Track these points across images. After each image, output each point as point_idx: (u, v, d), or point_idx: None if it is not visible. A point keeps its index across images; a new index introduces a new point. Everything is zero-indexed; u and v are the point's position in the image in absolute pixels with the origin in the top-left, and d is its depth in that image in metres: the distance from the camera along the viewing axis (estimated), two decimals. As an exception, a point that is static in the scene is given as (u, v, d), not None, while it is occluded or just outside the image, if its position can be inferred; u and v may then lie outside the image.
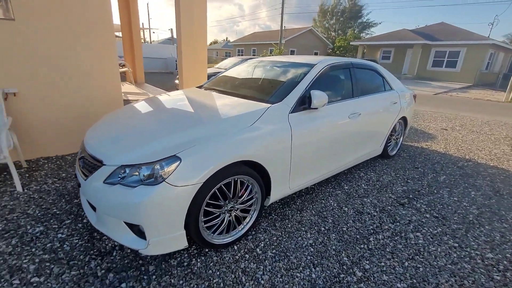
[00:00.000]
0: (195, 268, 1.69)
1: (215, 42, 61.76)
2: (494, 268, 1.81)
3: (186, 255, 1.79)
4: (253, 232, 2.06)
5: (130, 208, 1.47)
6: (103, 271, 1.64)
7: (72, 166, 3.03)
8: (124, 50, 7.20)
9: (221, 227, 1.83)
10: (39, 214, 2.15)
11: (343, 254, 1.87)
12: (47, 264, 1.67)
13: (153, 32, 39.73)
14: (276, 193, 2.13)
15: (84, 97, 3.29)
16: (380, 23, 55.74)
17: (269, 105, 2.10)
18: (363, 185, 2.91)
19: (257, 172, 1.92)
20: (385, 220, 2.28)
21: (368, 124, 2.91)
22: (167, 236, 1.55)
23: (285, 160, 2.06)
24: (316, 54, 31.79)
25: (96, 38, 3.21)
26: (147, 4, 50.33)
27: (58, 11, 2.91)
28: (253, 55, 32.19)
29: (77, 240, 1.88)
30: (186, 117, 2.08)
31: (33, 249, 1.78)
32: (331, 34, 40.15)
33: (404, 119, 3.69)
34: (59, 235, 1.92)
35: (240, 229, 1.96)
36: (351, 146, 2.77)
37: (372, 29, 39.54)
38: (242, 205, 1.91)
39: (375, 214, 2.37)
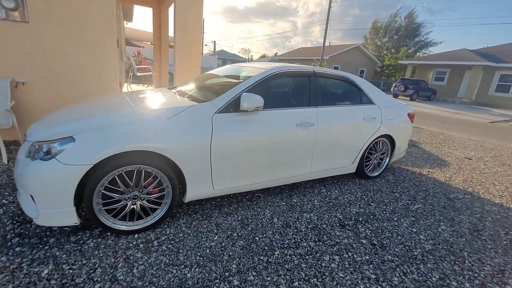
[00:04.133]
0: (86, 247, 1.79)
1: (263, 56, 63.82)
2: (402, 310, 1.53)
3: (88, 235, 1.90)
4: (165, 226, 2.09)
5: (24, 178, 1.65)
6: (13, 234, 1.84)
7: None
8: (154, 57, 7.97)
9: (123, 213, 1.90)
10: (3, 182, 2.50)
11: (234, 262, 1.77)
12: (-24, 221, 1.94)
13: (205, 45, 42.92)
14: (194, 192, 2.14)
15: (82, 91, 3.75)
16: (440, 43, 50.82)
17: (194, 103, 2.15)
18: (315, 200, 2.71)
19: (170, 166, 1.97)
20: (309, 238, 2.10)
21: (327, 136, 2.73)
22: (56, 210, 1.69)
23: (203, 158, 2.07)
24: (362, 72, 30.57)
25: (97, 42, 3.67)
26: (203, 19, 54.36)
27: (67, 19, 3.42)
28: (296, 69, 32.28)
29: (13, 207, 2.15)
30: (113, 108, 2.23)
31: (-25, 208, 2.08)
32: (383, 52, 38.29)
33: (389, 138, 3.35)
34: (3, 201, 2.22)
35: (148, 219, 2.01)
36: (301, 157, 2.63)
37: (431, 48, 36.51)
38: (148, 196, 1.97)
39: (303, 230, 2.19)
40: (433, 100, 19.51)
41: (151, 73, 7.35)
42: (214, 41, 38.26)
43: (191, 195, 2.14)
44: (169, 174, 1.96)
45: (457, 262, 1.96)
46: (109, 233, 1.93)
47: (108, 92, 3.92)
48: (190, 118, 2.03)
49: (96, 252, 1.75)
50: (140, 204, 1.96)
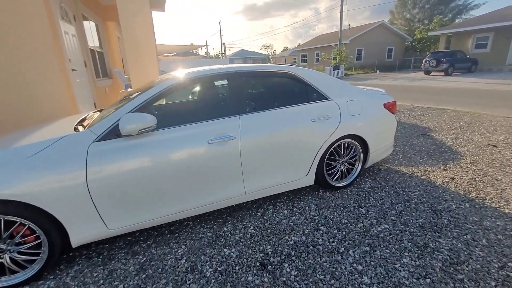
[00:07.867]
0: None
1: (285, 49, 62.43)
2: None
3: (-39, 293, 1.73)
4: (51, 276, 1.84)
5: None
6: None
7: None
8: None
9: (-11, 269, 1.69)
10: None
11: (92, 330, 1.44)
12: None
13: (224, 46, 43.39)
14: (81, 235, 1.85)
15: (36, 118, 3.72)
16: (484, 4, 44.24)
17: (67, 134, 1.85)
18: (251, 227, 2.25)
19: (37, 212, 1.70)
20: (209, 287, 1.67)
21: (257, 149, 2.24)
22: None
23: (79, 197, 1.76)
24: (390, 50, 28.02)
25: (41, 64, 3.60)
26: (219, 22, 55.05)
27: (6, 44, 3.41)
28: (316, 59, 30.92)
29: None
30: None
31: None
32: (414, 25, 34.73)
33: (357, 137, 2.71)
34: None
35: (27, 272, 1.77)
36: (226, 178, 2.19)
37: (472, 12, 32.14)
38: (18, 247, 1.72)
39: (208, 275, 1.77)
40: (474, 71, 16.98)
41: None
42: (224, 43, 38.33)
43: (78, 239, 1.86)
44: (37, 220, 1.70)
45: (399, 324, 1.38)
46: (-19, 291, 1.73)
47: (60, 112, 3.83)
48: (55, 153, 1.74)
49: (-50, 319, 1.56)
50: (10, 256, 1.73)
